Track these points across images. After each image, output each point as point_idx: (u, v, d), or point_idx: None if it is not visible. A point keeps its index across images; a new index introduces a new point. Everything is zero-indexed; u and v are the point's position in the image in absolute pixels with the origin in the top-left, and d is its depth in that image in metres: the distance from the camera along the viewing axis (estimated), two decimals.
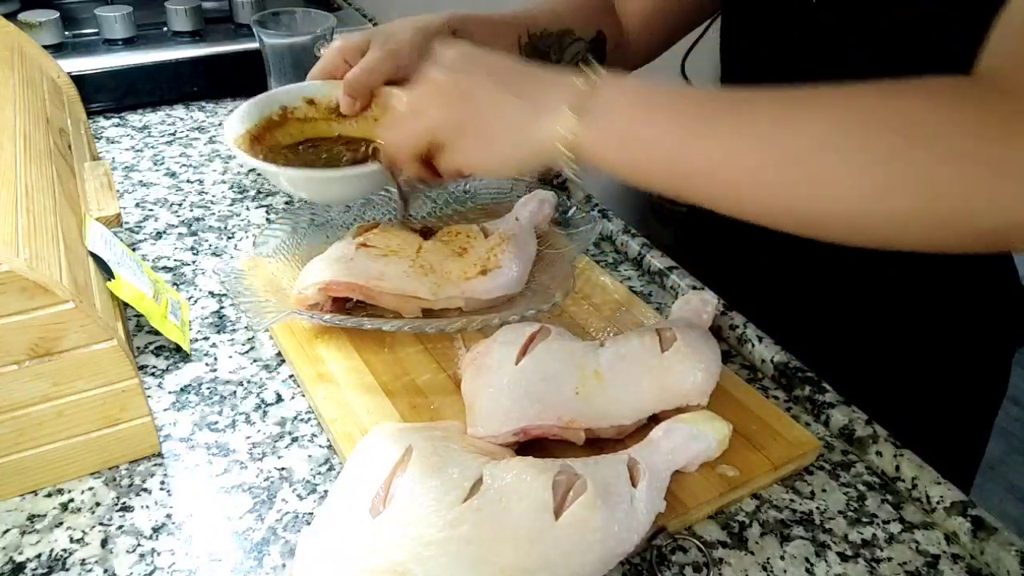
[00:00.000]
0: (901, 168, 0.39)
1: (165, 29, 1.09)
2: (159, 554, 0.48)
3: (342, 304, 0.63)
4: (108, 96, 1.00)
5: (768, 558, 0.49)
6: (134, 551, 0.48)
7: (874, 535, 0.51)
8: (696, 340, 0.57)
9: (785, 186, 0.42)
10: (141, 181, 0.87)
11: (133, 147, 0.94)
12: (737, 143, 0.43)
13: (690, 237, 0.91)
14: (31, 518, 0.50)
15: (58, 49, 1.01)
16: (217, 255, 0.75)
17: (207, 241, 0.77)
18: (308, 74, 0.73)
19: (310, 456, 0.55)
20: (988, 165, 0.38)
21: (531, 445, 0.52)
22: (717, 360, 0.57)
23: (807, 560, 0.49)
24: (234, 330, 0.66)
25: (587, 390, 0.53)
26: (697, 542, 0.50)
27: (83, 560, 0.47)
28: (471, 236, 0.67)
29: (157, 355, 0.62)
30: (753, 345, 0.65)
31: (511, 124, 0.50)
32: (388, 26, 0.70)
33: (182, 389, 0.60)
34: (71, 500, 0.51)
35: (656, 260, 0.75)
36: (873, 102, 0.41)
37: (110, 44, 1.04)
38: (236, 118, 0.69)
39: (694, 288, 0.71)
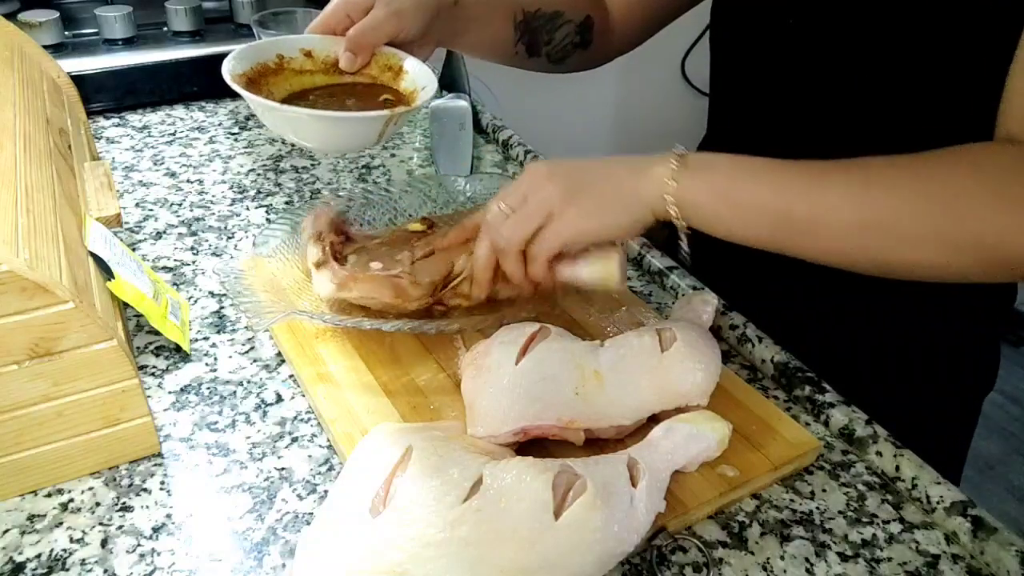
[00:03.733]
0: (955, 227, 0.47)
1: (165, 29, 1.09)
2: (159, 554, 0.48)
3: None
4: (108, 96, 1.00)
5: (768, 558, 0.49)
6: (134, 551, 0.48)
7: (874, 535, 0.51)
8: (696, 340, 0.57)
9: (871, 241, 0.49)
10: (141, 181, 0.87)
11: (133, 147, 0.94)
12: (836, 203, 0.49)
13: (689, 237, 0.91)
14: (31, 518, 0.50)
15: (58, 49, 1.01)
16: (217, 255, 0.75)
17: (207, 241, 0.77)
18: (307, 27, 0.72)
19: (310, 456, 0.55)
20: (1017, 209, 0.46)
21: (531, 445, 0.52)
22: (717, 360, 0.57)
23: (807, 560, 0.49)
24: (234, 330, 0.66)
25: (587, 390, 0.53)
26: (697, 542, 0.50)
27: (83, 560, 0.47)
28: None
29: (157, 355, 0.62)
30: (753, 345, 0.65)
31: (619, 183, 0.53)
32: None
33: (182, 389, 0.60)
34: (71, 500, 0.51)
35: (656, 260, 0.75)
36: (933, 173, 0.48)
37: (110, 44, 1.04)
38: (232, 59, 0.68)
39: (694, 288, 0.71)
